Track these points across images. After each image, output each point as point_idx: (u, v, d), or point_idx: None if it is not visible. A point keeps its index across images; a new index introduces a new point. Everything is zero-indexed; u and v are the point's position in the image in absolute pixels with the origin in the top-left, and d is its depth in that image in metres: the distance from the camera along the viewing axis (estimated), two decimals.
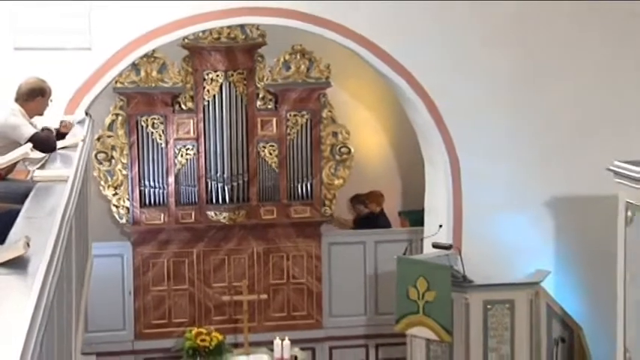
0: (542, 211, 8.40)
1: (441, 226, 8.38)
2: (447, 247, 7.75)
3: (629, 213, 5.49)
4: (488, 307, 7.14)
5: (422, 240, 8.86)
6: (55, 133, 6.53)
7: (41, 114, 6.50)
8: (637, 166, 5.43)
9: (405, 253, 8.29)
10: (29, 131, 6.09)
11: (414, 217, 10.81)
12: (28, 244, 3.38)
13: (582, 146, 8.22)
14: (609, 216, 5.78)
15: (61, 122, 6.89)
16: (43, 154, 6.13)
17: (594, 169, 6.28)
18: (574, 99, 8.33)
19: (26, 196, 4.74)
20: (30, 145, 5.88)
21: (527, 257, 8.09)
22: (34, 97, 6.33)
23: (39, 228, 3.88)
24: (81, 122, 7.45)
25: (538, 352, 7.20)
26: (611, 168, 5.63)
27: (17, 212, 4.32)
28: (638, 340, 5.43)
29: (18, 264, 3.29)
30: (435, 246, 7.74)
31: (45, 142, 6.15)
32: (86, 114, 7.81)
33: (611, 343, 5.70)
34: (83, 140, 6.59)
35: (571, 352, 7.31)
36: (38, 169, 5.76)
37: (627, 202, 5.52)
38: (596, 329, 6.93)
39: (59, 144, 6.35)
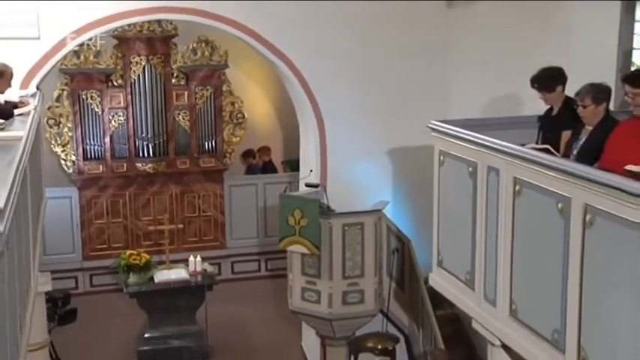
0: (383, 158, 8.60)
1: (311, 170, 8.48)
2: (316, 186, 7.80)
3: (441, 158, 5.63)
4: (346, 228, 7.17)
5: (298, 181, 8.94)
6: (14, 106, 6.31)
7: (1, 92, 6.27)
8: (446, 124, 5.60)
9: (285, 191, 8.32)
10: None
11: (293, 165, 10.96)
12: None
13: (410, 110, 8.40)
14: (428, 160, 5.90)
15: (20, 98, 6.65)
16: (2, 120, 5.92)
17: (418, 126, 6.40)
18: (401, 73, 8.49)
19: None
20: None
21: (373, 192, 8.24)
22: None
23: None
24: (33, 95, 7.21)
25: (380, 259, 7.38)
26: (429, 125, 5.73)
27: None
28: (445, 246, 5.69)
29: None
30: (307, 185, 7.78)
31: (4, 111, 5.96)
32: (37, 89, 7.53)
33: (430, 250, 5.90)
34: (35, 109, 6.39)
35: (403, 258, 7.51)
36: None
37: (440, 149, 5.65)
38: (421, 241, 7.12)
39: (16, 112, 6.15)
